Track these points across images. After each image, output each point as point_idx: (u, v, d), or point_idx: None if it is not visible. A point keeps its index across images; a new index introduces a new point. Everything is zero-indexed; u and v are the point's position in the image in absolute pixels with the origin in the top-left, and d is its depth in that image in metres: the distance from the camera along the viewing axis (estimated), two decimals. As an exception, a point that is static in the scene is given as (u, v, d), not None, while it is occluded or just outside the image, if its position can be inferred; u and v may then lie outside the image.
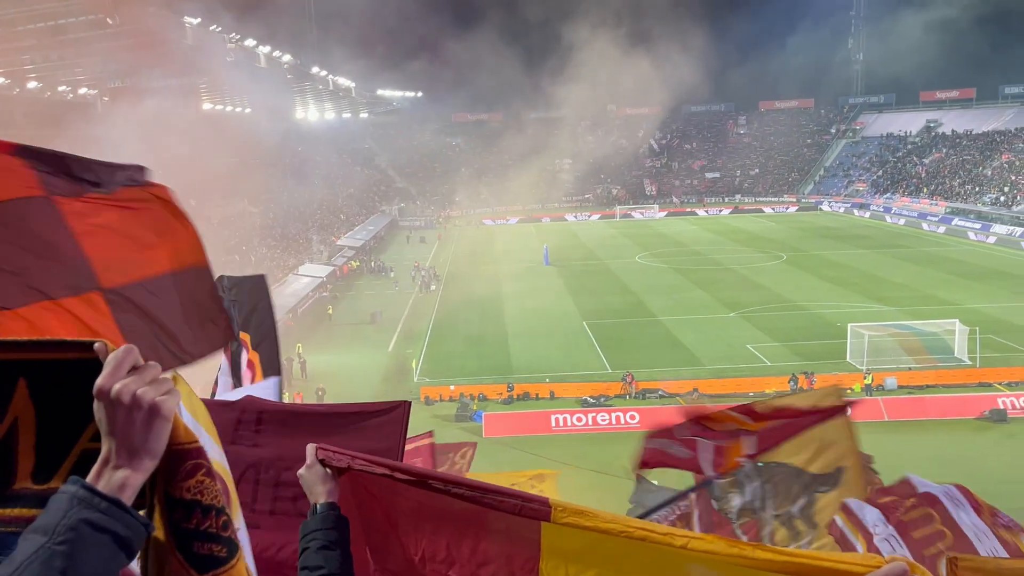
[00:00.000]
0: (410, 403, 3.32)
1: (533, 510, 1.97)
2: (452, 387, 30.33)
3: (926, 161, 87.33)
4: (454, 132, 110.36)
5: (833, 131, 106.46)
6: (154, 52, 36.99)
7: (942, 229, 67.97)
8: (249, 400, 3.33)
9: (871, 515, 4.64)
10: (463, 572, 2.12)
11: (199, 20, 40.83)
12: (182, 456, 1.37)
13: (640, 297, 45.34)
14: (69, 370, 1.37)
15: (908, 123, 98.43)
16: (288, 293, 44.29)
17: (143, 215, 2.81)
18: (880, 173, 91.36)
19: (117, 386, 1.29)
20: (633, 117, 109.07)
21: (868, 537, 4.80)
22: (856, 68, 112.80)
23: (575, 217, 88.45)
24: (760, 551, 1.75)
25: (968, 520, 4.75)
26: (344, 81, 77.09)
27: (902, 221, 74.10)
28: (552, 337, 37.79)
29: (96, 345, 1.35)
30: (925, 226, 70.31)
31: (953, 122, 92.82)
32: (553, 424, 27.47)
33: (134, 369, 1.32)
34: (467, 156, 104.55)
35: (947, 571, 4.17)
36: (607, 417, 27.65)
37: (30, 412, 1.37)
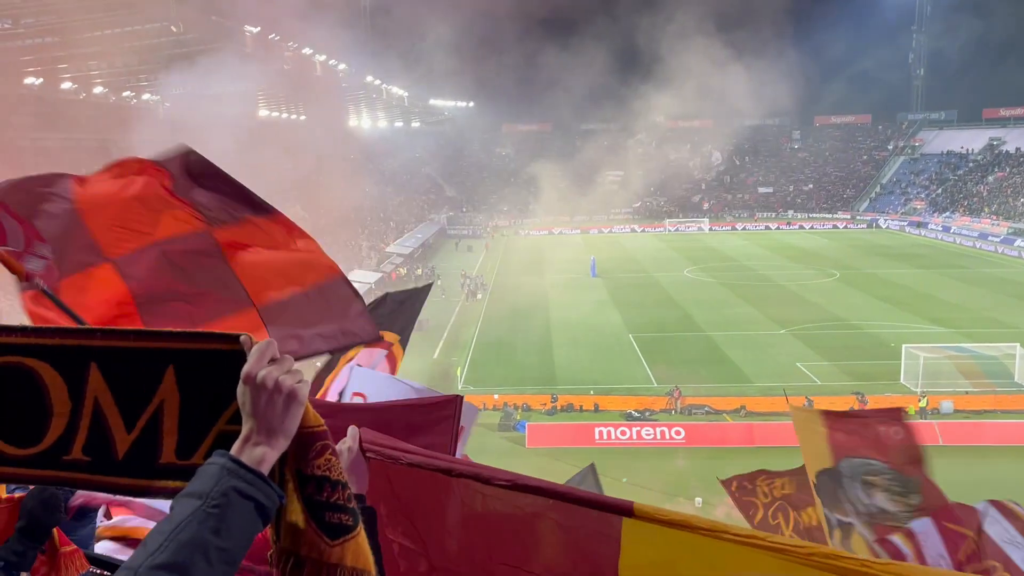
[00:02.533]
0: (462, 397, 3.32)
1: (614, 505, 1.96)
2: (496, 396, 30.34)
3: (988, 179, 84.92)
4: (504, 142, 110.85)
5: (891, 147, 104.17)
6: (214, 59, 37.95)
7: (1003, 250, 65.93)
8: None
9: (933, 546, 4.44)
10: (537, 570, 2.11)
11: (259, 29, 41.76)
12: (312, 438, 1.54)
13: (687, 311, 44.84)
14: (213, 359, 1.55)
15: (970, 140, 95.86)
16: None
17: (277, 238, 3.34)
18: (939, 191, 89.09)
19: (262, 372, 1.47)
20: (686, 130, 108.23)
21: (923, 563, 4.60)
22: (916, 84, 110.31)
23: (623, 229, 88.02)
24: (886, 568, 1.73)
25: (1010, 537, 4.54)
26: (397, 90, 77.99)
27: (961, 240, 72.11)
28: (597, 349, 37.57)
29: (242, 337, 1.53)
30: (985, 246, 68.27)
31: (1017, 140, 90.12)
32: (597, 437, 27.28)
33: (273, 360, 1.50)
34: (516, 166, 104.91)
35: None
36: (652, 432, 27.37)
37: (175, 396, 1.56)
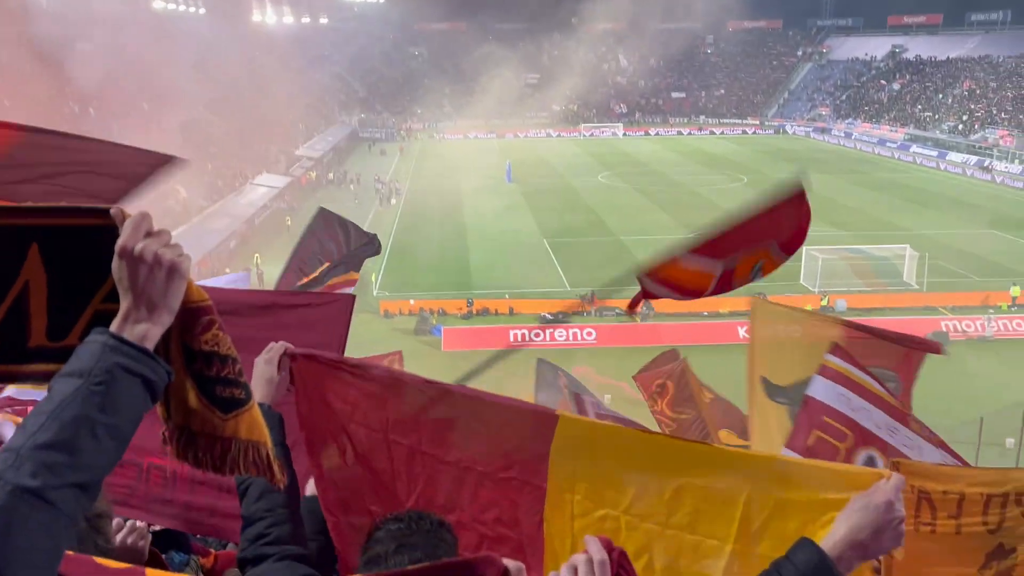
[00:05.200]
0: (354, 297, 3.31)
1: (545, 410, 2.08)
2: (412, 301, 30.46)
3: (890, 87, 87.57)
4: (417, 41, 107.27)
5: (800, 54, 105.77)
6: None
7: (899, 155, 68.78)
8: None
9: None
10: (473, 462, 2.20)
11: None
12: (197, 313, 1.49)
13: (601, 216, 45.48)
14: (82, 235, 1.46)
15: (875, 48, 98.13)
16: (245, 203, 43.57)
17: None
18: (843, 98, 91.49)
19: (140, 245, 1.39)
20: (601, 33, 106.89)
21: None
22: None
23: (539, 134, 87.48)
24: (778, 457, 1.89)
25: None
26: (303, -17, 73.99)
27: (861, 146, 74.74)
28: (513, 254, 37.90)
29: (112, 210, 1.43)
30: (883, 152, 71.06)
31: (919, 48, 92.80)
32: (511, 339, 27.83)
33: (150, 233, 1.41)
34: (430, 67, 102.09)
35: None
36: (565, 334, 28.12)
37: (41, 275, 1.46)
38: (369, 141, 78.51)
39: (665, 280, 4.87)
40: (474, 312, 29.97)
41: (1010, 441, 17.68)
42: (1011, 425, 17.78)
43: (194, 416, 1.51)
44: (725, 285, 4.84)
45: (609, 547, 1.52)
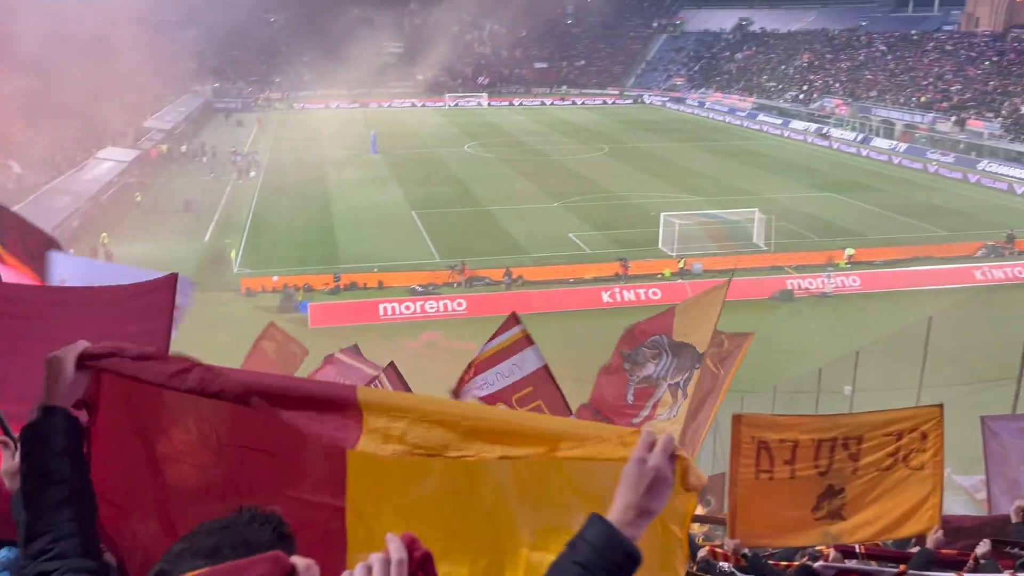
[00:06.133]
0: (176, 275, 3.14)
1: (338, 436, 1.96)
2: (275, 278, 29.57)
3: (738, 58, 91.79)
4: (273, 7, 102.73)
5: (655, 25, 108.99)
6: None
7: (748, 124, 72.51)
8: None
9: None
10: (275, 450, 2.12)
11: None
12: None
13: (468, 187, 45.56)
14: None
15: (724, 20, 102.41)
16: (88, 179, 40.79)
17: None
18: (696, 68, 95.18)
19: None
20: (463, 1, 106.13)
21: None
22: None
23: (404, 104, 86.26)
24: (535, 432, 1.93)
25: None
26: (143, -58, 69.11)
27: (713, 115, 78.23)
28: (380, 226, 37.43)
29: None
30: (734, 121, 74.66)
31: (763, 20, 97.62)
32: (381, 313, 27.62)
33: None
34: (287, 34, 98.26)
35: (732, 428, 4.79)
36: (435, 305, 28.13)
37: None
38: (225, 112, 75.00)
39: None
40: (342, 287, 29.45)
41: (847, 388, 19.21)
42: (848, 373, 19.33)
43: None
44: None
45: (412, 547, 1.45)
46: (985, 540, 4.51)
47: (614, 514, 1.68)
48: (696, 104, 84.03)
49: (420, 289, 29.26)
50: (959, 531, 5.65)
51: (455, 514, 2.06)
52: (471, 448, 1.91)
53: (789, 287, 29.68)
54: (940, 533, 4.54)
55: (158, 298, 2.99)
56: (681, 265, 31.00)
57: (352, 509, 2.08)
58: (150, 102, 65.51)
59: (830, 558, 4.70)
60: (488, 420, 1.97)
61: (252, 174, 48.04)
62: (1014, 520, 5.06)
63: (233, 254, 32.73)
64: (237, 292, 28.85)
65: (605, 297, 28.08)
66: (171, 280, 3.05)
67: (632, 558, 1.63)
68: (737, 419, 4.70)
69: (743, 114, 75.85)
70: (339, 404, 1.97)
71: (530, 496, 2.04)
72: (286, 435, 2.03)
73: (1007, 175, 48.23)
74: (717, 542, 5.83)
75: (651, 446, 1.74)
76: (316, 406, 1.97)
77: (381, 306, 27.89)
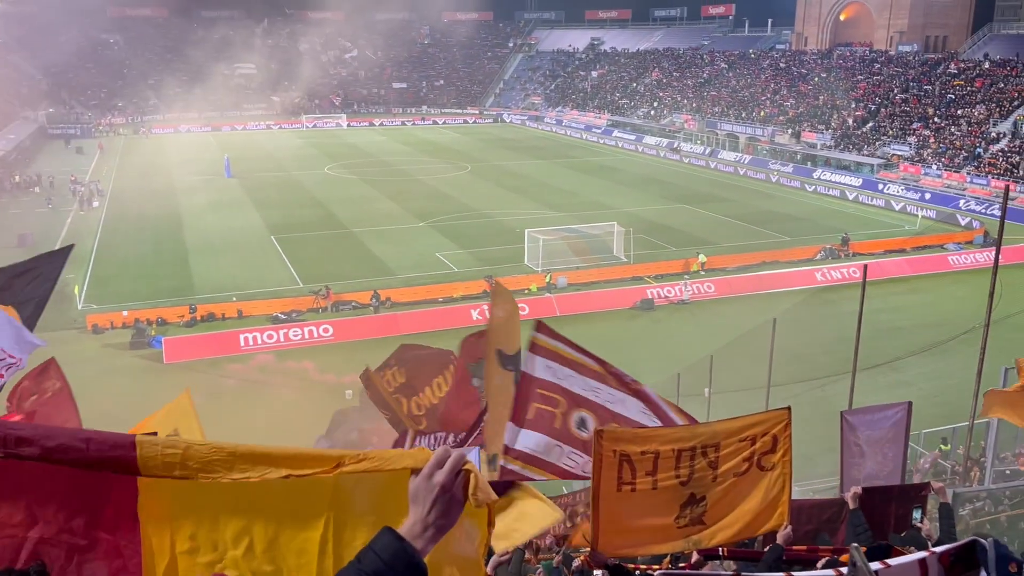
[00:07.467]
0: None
1: (120, 462, 1.90)
2: (124, 313, 27.83)
3: (592, 76, 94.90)
4: (111, 28, 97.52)
5: (511, 45, 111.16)
6: None
7: (604, 140, 75.01)
8: None
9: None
10: (48, 531, 2.00)
11: None
12: None
13: (330, 209, 44.68)
14: None
15: (576, 40, 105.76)
16: (-96, 215, 37.13)
17: None
18: (552, 87, 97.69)
19: None
20: (317, 22, 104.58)
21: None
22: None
23: (259, 126, 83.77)
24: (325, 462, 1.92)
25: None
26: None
27: (571, 132, 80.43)
28: (237, 253, 36.03)
29: None
30: (590, 137, 77.04)
31: (613, 40, 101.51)
32: (242, 343, 26.50)
33: None
34: (128, 56, 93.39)
35: (594, 443, 4.83)
36: (300, 332, 27.28)
37: None
38: (63, 138, 70.35)
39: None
40: (198, 319, 28.05)
41: (707, 391, 20.06)
42: (706, 376, 20.19)
43: None
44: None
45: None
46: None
47: (404, 528, 1.73)
48: (554, 122, 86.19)
49: (283, 317, 28.31)
50: (800, 511, 5.99)
51: (248, 532, 2.04)
52: (254, 471, 1.92)
53: (650, 296, 30.77)
54: (789, 529, 4.75)
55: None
56: (547, 280, 31.53)
57: (145, 536, 2.04)
58: (-25, 129, 60.60)
59: (693, 560, 4.82)
60: (264, 448, 1.96)
61: (95, 203, 45.17)
62: (851, 507, 5.39)
63: (76, 290, 30.58)
64: (84, 330, 26.97)
65: (474, 315, 28.11)
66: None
67: (418, 570, 1.67)
68: (599, 434, 4.75)
69: (599, 131, 78.42)
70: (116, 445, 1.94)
71: (321, 512, 2.04)
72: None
73: (839, 182, 52.23)
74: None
75: (442, 463, 1.78)
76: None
77: (242, 336, 26.75)
